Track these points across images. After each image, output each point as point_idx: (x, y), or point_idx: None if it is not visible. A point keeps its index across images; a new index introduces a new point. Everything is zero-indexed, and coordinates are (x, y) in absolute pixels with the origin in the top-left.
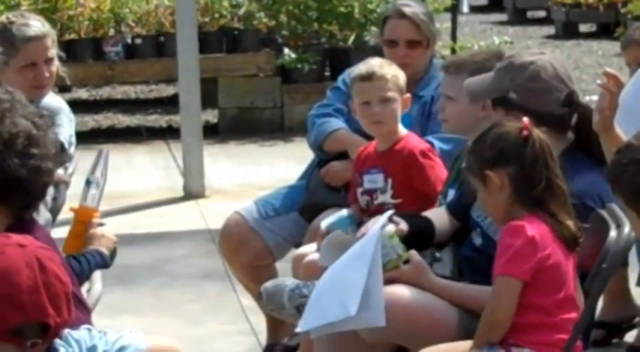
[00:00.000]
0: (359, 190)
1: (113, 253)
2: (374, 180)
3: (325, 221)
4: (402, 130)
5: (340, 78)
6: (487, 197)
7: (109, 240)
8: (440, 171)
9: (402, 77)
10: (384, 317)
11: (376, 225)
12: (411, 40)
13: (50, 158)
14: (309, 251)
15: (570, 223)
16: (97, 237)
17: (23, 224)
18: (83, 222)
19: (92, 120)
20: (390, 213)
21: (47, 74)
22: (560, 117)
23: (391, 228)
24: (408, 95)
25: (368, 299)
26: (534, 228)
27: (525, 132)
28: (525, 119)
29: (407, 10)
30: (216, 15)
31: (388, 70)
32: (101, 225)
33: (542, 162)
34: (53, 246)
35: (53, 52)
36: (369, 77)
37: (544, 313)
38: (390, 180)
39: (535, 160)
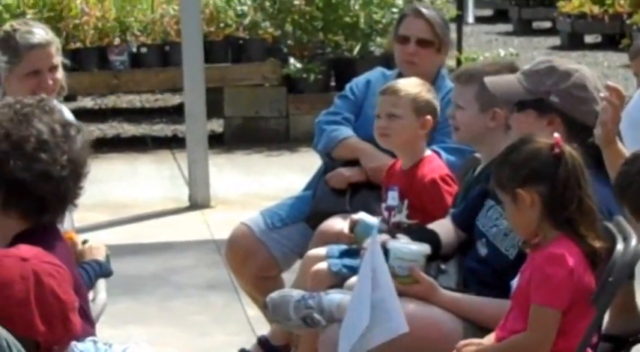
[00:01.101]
0: (383, 205)
1: (107, 260)
2: (394, 197)
3: (361, 214)
4: (424, 151)
5: (348, 86)
6: (516, 213)
7: (98, 249)
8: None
9: (424, 98)
10: (405, 324)
11: (374, 239)
12: (423, 39)
13: (64, 166)
14: (321, 254)
15: (598, 244)
16: (87, 251)
17: (42, 231)
18: None
19: (97, 129)
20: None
21: (51, 82)
22: (590, 130)
23: (427, 249)
24: (429, 118)
25: (387, 309)
26: (572, 256)
27: (557, 150)
28: (556, 135)
29: (424, 10)
30: (222, 24)
31: (409, 88)
32: (85, 242)
33: (575, 181)
34: (68, 257)
35: (58, 59)
36: (384, 91)
37: (573, 337)
38: (406, 201)
39: (567, 180)
